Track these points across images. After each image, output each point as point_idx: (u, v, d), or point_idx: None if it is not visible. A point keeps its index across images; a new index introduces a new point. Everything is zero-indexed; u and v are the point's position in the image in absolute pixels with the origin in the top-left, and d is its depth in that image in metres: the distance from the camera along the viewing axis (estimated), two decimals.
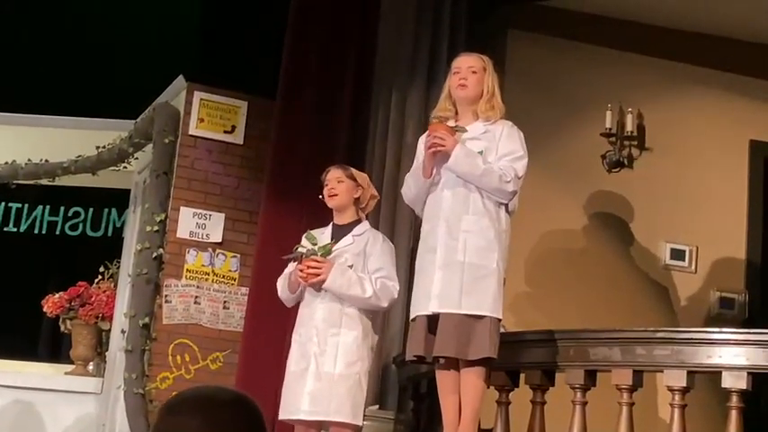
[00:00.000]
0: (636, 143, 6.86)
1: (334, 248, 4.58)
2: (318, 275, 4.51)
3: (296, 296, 4.68)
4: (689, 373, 4.17)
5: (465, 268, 4.15)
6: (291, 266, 4.68)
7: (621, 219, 6.80)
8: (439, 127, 4.25)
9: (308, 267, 4.52)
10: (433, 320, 4.20)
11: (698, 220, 6.81)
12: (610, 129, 6.77)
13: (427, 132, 4.31)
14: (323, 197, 4.71)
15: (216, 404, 1.95)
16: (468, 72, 4.34)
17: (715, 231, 6.81)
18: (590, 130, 6.79)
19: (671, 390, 4.20)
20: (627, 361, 4.30)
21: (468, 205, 4.22)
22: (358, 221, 4.71)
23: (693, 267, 6.82)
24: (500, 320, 4.19)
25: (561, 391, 4.60)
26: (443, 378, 4.25)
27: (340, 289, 4.50)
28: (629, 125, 6.80)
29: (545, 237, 6.61)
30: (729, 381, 4.07)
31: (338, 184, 4.68)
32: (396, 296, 4.62)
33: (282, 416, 4.59)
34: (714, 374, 4.20)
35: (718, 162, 6.91)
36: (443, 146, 4.20)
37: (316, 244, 4.59)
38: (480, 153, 4.25)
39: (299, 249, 4.60)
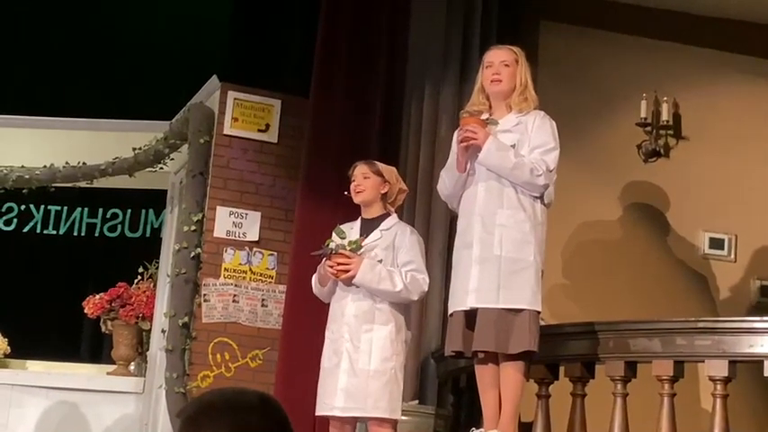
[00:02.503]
0: (672, 132, 6.81)
1: (363, 243, 4.58)
2: (348, 271, 4.51)
3: (329, 291, 4.68)
4: (731, 362, 4.14)
5: (502, 262, 4.13)
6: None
7: (658, 209, 6.75)
8: (470, 120, 4.24)
9: (338, 264, 4.52)
10: (470, 316, 4.19)
11: (736, 208, 6.74)
12: (645, 118, 6.72)
13: (460, 127, 4.29)
14: (348, 193, 4.70)
15: (242, 409, 1.82)
16: (501, 66, 4.32)
17: (754, 219, 6.74)
18: (625, 119, 6.74)
19: (712, 380, 4.17)
20: (667, 351, 4.28)
21: (502, 199, 4.20)
22: (386, 215, 4.70)
23: (733, 256, 6.75)
24: (539, 313, 4.17)
25: (602, 384, 4.57)
26: (483, 372, 4.24)
27: (370, 284, 4.49)
28: (665, 114, 6.75)
29: (581, 228, 6.58)
30: None
31: (364, 180, 4.67)
32: (426, 289, 4.61)
33: (318, 411, 4.60)
34: (756, 363, 4.15)
35: (755, 149, 6.84)
36: (475, 139, 4.19)
37: (345, 239, 4.59)
38: (513, 146, 4.22)
39: (330, 245, 4.60)
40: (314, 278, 4.75)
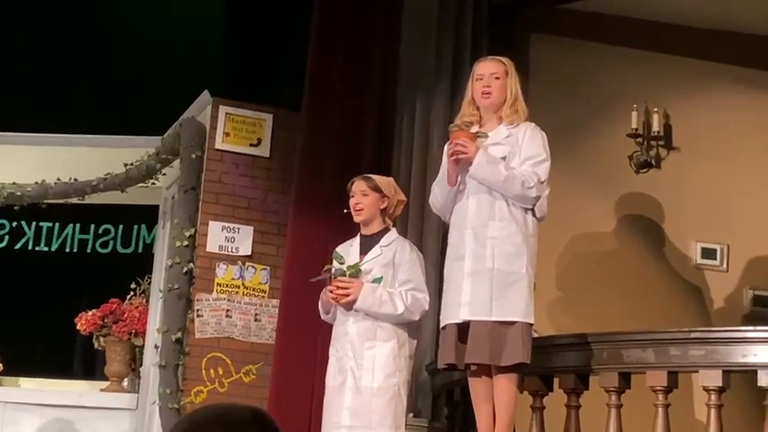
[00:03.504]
0: (663, 143, 6.84)
1: (362, 261, 4.57)
2: (348, 295, 4.51)
3: (333, 316, 4.69)
4: (724, 372, 4.14)
5: (494, 275, 4.14)
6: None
7: (651, 219, 6.77)
8: (460, 134, 4.24)
9: (337, 288, 4.52)
10: (462, 328, 4.19)
11: (728, 218, 6.77)
12: (636, 129, 6.75)
13: (449, 140, 4.30)
14: (348, 210, 4.69)
15: (235, 424, 1.81)
16: (492, 78, 4.33)
17: (746, 229, 6.77)
18: (616, 131, 6.77)
19: (707, 390, 4.17)
20: (661, 362, 4.27)
21: (493, 212, 4.21)
22: (385, 230, 4.69)
23: (725, 266, 6.77)
24: (532, 325, 4.18)
25: (596, 395, 4.57)
26: (476, 385, 4.25)
27: (371, 308, 4.48)
28: (656, 125, 6.77)
29: (574, 240, 6.59)
30: (765, 379, 4.03)
31: (363, 198, 4.64)
32: (426, 308, 4.60)
33: (324, 430, 4.59)
34: (750, 373, 4.16)
35: (747, 159, 6.87)
36: (465, 153, 4.20)
37: (344, 263, 4.58)
38: (504, 158, 4.23)
39: (330, 269, 4.58)
40: (319, 305, 4.75)
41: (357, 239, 4.70)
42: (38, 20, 8.05)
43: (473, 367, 4.22)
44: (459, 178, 4.29)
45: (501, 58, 4.41)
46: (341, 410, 4.45)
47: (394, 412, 4.43)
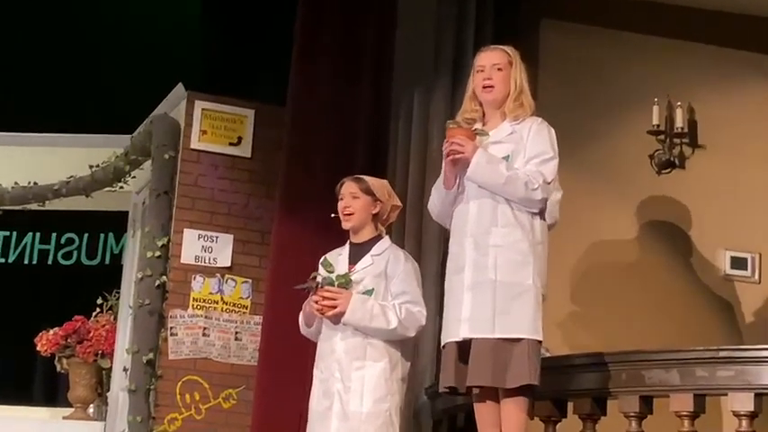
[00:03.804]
0: (687, 140, 6.85)
1: (352, 271, 4.57)
2: (335, 307, 4.51)
3: (317, 330, 4.67)
4: (756, 395, 4.16)
5: (497, 287, 4.14)
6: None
7: (674, 225, 6.79)
8: (457, 132, 4.24)
9: (323, 298, 4.52)
10: (464, 347, 4.20)
11: (760, 224, 6.78)
12: (657, 125, 6.77)
13: (446, 139, 4.30)
14: (335, 215, 4.68)
15: None
16: (493, 70, 4.34)
17: None
18: (635, 127, 6.79)
19: (737, 415, 4.19)
20: (686, 384, 4.29)
21: (496, 217, 4.21)
22: (377, 238, 4.69)
23: (757, 277, 6.79)
24: (540, 342, 4.18)
25: (614, 421, 4.59)
26: (482, 411, 4.25)
27: (361, 322, 4.47)
28: (679, 121, 6.79)
29: (590, 249, 6.61)
30: None
31: (353, 201, 4.63)
32: (423, 323, 4.59)
33: None
34: None
35: None
36: (462, 153, 4.21)
37: (333, 272, 4.57)
38: (506, 158, 4.24)
39: (316, 278, 4.57)
40: (300, 317, 4.74)
41: (346, 248, 4.70)
42: None
43: (475, 390, 4.23)
44: (458, 181, 4.30)
45: (505, 48, 4.43)
46: None
47: None
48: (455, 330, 4.21)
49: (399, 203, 4.84)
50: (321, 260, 4.66)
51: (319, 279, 4.55)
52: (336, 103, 6.06)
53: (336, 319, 4.51)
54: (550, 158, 4.26)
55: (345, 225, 4.67)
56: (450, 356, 4.25)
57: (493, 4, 6.38)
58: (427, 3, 6.24)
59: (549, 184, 4.23)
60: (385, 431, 4.44)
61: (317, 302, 4.52)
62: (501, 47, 4.44)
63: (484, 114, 4.40)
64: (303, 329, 4.74)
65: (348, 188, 4.68)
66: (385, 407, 4.46)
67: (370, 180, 4.73)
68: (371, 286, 4.55)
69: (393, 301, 4.54)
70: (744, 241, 6.78)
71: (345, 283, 4.52)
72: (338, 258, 4.66)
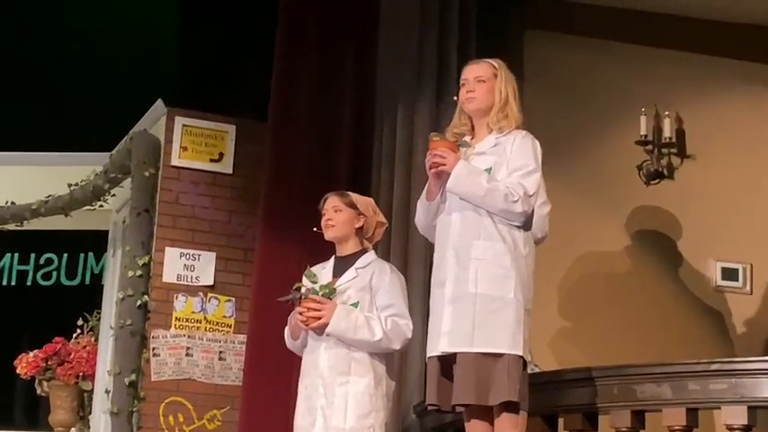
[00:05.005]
0: (676, 151, 6.86)
1: (336, 284, 4.57)
2: (319, 318, 4.50)
3: (302, 343, 4.68)
4: (750, 408, 4.16)
5: (477, 301, 4.13)
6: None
7: (664, 236, 6.79)
8: (440, 144, 4.27)
9: (308, 309, 4.51)
10: (446, 362, 4.19)
11: (750, 234, 6.79)
12: (645, 135, 6.78)
13: (429, 151, 4.32)
14: (318, 229, 4.70)
15: None
16: (476, 82, 4.36)
17: None
18: (623, 137, 6.80)
19: (730, 429, 4.19)
20: (679, 398, 4.29)
21: (478, 230, 4.21)
22: (362, 252, 4.70)
23: (748, 288, 6.80)
24: (521, 357, 4.16)
25: None
26: (472, 429, 4.23)
27: (345, 333, 4.49)
28: (667, 130, 6.80)
29: (578, 261, 6.61)
30: None
31: (336, 214, 4.68)
32: (409, 336, 4.61)
33: None
34: None
35: None
36: (444, 164, 4.22)
37: (317, 282, 4.58)
38: (488, 170, 4.25)
39: (300, 288, 4.58)
40: (286, 331, 4.74)
41: (331, 262, 4.73)
42: None
43: (458, 409, 4.21)
44: (440, 192, 4.31)
45: (490, 61, 4.44)
46: None
47: None
48: (435, 344, 4.21)
49: (385, 221, 4.87)
50: (305, 271, 4.66)
51: (303, 290, 4.55)
52: (319, 118, 6.06)
53: (320, 330, 4.52)
54: (533, 171, 4.26)
55: (327, 236, 4.70)
56: (432, 372, 4.25)
57: (476, 15, 6.38)
58: (410, 15, 6.24)
59: (531, 197, 4.23)
60: None
61: (301, 314, 4.52)
62: (487, 60, 4.47)
63: (473, 128, 4.42)
64: (289, 343, 4.75)
65: (331, 203, 4.72)
66: (369, 423, 4.46)
67: (354, 195, 4.78)
68: (356, 299, 4.56)
69: (379, 313, 4.54)
70: (734, 252, 6.79)
71: (329, 293, 4.53)
72: (322, 271, 4.68)
